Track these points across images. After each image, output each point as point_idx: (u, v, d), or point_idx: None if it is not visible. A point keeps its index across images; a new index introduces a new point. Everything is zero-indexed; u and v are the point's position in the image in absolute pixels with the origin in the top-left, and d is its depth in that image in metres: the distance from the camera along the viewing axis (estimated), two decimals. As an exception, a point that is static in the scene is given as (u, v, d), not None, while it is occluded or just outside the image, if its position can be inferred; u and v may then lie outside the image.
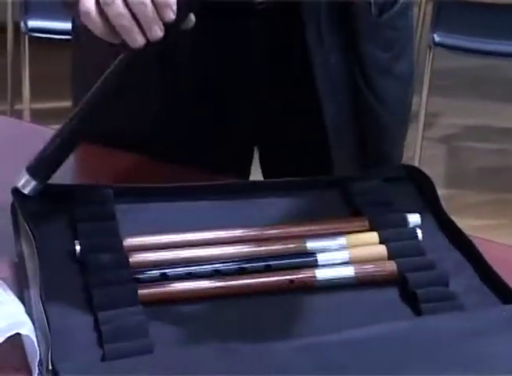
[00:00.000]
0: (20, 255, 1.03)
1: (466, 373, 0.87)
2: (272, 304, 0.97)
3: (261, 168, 1.32)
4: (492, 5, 2.75)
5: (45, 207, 1.07)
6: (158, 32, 0.89)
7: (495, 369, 0.89)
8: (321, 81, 1.11)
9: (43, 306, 0.92)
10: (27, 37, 2.68)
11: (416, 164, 1.19)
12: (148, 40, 0.89)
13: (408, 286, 1.00)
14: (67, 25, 2.64)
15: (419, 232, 1.07)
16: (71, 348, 0.89)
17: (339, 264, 1.02)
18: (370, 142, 1.21)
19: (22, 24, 2.67)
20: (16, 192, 1.07)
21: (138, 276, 0.97)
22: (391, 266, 1.02)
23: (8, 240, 1.06)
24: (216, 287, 0.97)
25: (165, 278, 0.98)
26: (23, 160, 1.24)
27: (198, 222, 1.07)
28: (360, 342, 0.90)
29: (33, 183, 1.02)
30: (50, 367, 0.86)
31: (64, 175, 1.15)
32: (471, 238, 1.08)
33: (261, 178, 1.31)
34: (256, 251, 1.02)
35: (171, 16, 0.88)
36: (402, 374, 0.87)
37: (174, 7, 0.88)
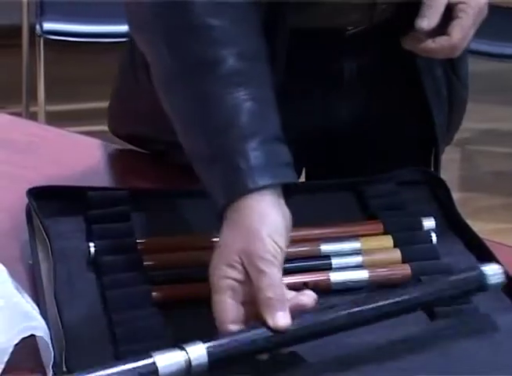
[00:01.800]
0: (35, 257, 1.03)
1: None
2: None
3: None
4: (510, 9, 2.74)
5: (59, 209, 1.08)
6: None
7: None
8: (428, 88, 1.13)
9: (57, 308, 0.93)
10: (42, 39, 2.68)
11: (431, 168, 1.19)
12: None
13: (423, 290, 0.99)
14: (82, 27, 2.68)
15: (433, 235, 1.07)
16: (85, 350, 0.90)
17: (353, 267, 1.02)
18: (455, 115, 1.21)
19: (37, 27, 2.68)
20: (30, 194, 1.07)
21: (152, 278, 0.97)
22: (406, 270, 1.02)
23: (22, 243, 1.06)
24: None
25: (179, 279, 0.98)
26: (38, 163, 1.24)
27: (213, 223, 1.07)
28: (379, 348, 0.91)
29: None
30: (65, 369, 0.87)
31: (81, 175, 1.16)
32: (486, 242, 1.07)
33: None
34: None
35: None
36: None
37: None
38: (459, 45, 0.99)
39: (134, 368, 0.80)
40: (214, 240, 1.03)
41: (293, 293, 0.87)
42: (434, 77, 1.13)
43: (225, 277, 0.86)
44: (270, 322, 0.82)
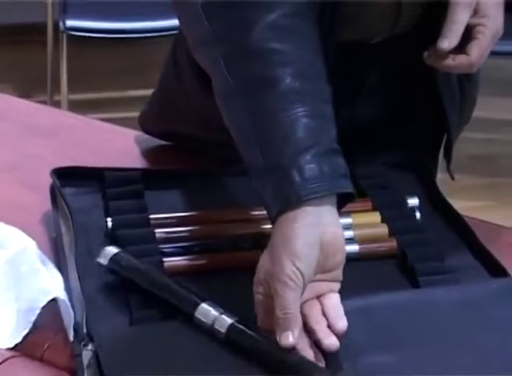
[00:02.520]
0: (58, 231, 1.03)
1: (459, 342, 0.87)
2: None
3: None
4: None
5: (80, 188, 1.08)
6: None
7: (487, 337, 0.88)
8: (444, 94, 1.12)
9: (78, 276, 0.93)
10: (65, 35, 2.67)
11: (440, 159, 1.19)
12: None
13: (407, 260, 0.99)
14: (101, 24, 2.67)
15: (417, 212, 1.07)
16: (103, 314, 0.90)
17: (345, 241, 1.01)
18: (467, 112, 1.21)
19: (60, 24, 2.67)
20: (54, 174, 1.07)
21: (163, 250, 0.97)
22: (392, 243, 1.02)
23: (47, 218, 1.06)
24: (235, 260, 0.97)
25: (188, 251, 0.98)
26: (61, 146, 1.24)
27: (217, 199, 1.07)
28: (364, 311, 0.90)
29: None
30: (85, 330, 0.87)
31: (100, 158, 1.15)
32: (465, 218, 1.07)
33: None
34: (268, 228, 1.01)
35: None
36: (401, 339, 0.87)
37: None
38: (477, 63, 0.98)
39: None
40: (220, 216, 1.03)
41: (324, 327, 0.85)
42: (450, 84, 1.13)
43: (256, 292, 0.86)
44: (277, 338, 0.82)
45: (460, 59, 0.98)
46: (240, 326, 0.84)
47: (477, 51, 0.97)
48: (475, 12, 0.97)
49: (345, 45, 1.06)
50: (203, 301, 0.87)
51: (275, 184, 0.86)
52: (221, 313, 0.85)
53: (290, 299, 0.82)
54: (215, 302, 0.87)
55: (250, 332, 0.84)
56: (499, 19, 0.99)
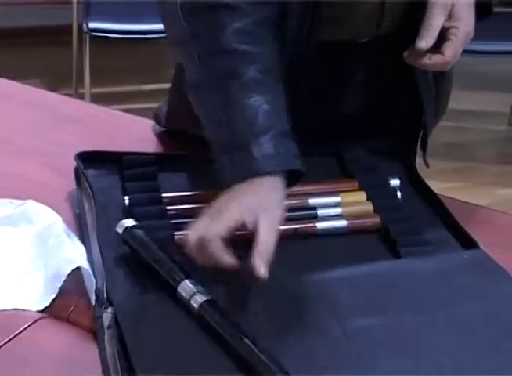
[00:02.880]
0: (81, 208, 1.03)
1: (435, 307, 0.87)
2: (283, 246, 0.96)
3: None
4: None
5: (101, 170, 1.07)
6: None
7: (459, 303, 0.88)
8: (422, 88, 1.12)
9: (99, 248, 0.93)
10: (88, 36, 2.67)
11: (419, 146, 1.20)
12: None
13: (389, 234, 0.99)
14: (120, 26, 2.66)
15: (398, 192, 1.07)
16: (121, 280, 0.89)
17: (334, 217, 1.01)
18: (442, 105, 1.20)
19: (84, 26, 2.67)
20: (78, 158, 1.07)
21: (175, 225, 0.97)
22: (376, 219, 1.01)
23: (72, 197, 1.06)
24: (240, 234, 0.97)
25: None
26: (83, 133, 1.24)
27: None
28: (351, 279, 0.90)
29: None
30: (105, 295, 0.87)
31: (119, 143, 1.15)
32: (440, 197, 1.07)
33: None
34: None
35: None
36: (383, 304, 0.87)
37: None
38: (451, 61, 0.98)
39: None
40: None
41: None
42: (427, 81, 1.12)
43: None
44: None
45: (436, 58, 0.98)
46: (209, 306, 0.83)
47: (451, 51, 0.97)
48: (450, 16, 0.97)
49: (335, 45, 1.07)
50: (188, 278, 0.86)
51: (238, 158, 0.89)
52: (198, 291, 0.84)
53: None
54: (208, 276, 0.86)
55: (216, 313, 0.82)
56: (471, 23, 0.99)
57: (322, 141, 1.22)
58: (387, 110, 1.17)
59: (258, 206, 0.86)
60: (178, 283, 0.85)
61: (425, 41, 0.96)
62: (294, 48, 1.01)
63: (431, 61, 0.98)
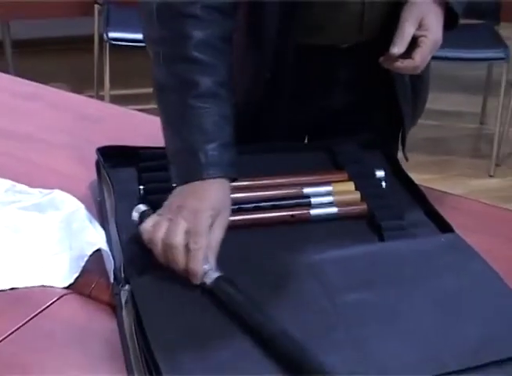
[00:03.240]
0: (102, 196, 1.02)
1: (417, 284, 0.86)
2: (281, 231, 0.96)
3: None
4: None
5: (119, 163, 1.06)
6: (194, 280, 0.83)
7: (437, 280, 0.87)
8: (399, 90, 1.12)
9: (117, 232, 0.92)
10: (108, 44, 2.66)
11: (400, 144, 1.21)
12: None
13: (375, 220, 0.98)
14: (136, 36, 2.64)
15: (383, 182, 1.06)
16: (136, 261, 0.89)
17: (327, 204, 1.01)
18: (419, 107, 1.20)
19: (104, 35, 2.66)
20: (99, 151, 1.06)
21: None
22: (363, 206, 1.01)
23: (93, 186, 1.06)
24: (241, 219, 0.96)
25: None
26: (104, 130, 1.23)
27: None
28: (341, 260, 0.90)
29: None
30: (123, 274, 0.87)
31: (135, 139, 1.14)
32: (420, 187, 1.06)
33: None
34: (268, 194, 1.00)
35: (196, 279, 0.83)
36: (369, 281, 0.86)
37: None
38: (420, 65, 0.99)
39: None
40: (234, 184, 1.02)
41: None
42: (404, 83, 1.12)
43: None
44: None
45: (407, 63, 0.98)
46: (222, 282, 0.82)
47: (420, 56, 0.98)
48: (420, 26, 0.98)
49: (320, 49, 1.07)
50: None
51: (187, 162, 0.89)
52: (211, 269, 0.83)
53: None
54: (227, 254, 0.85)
55: (229, 288, 0.82)
56: (439, 32, 0.99)
57: (312, 136, 1.22)
58: (369, 107, 1.16)
59: (212, 209, 0.85)
60: None
61: (397, 48, 0.97)
62: (273, 49, 1.02)
63: (403, 65, 0.98)
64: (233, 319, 0.79)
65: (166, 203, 0.88)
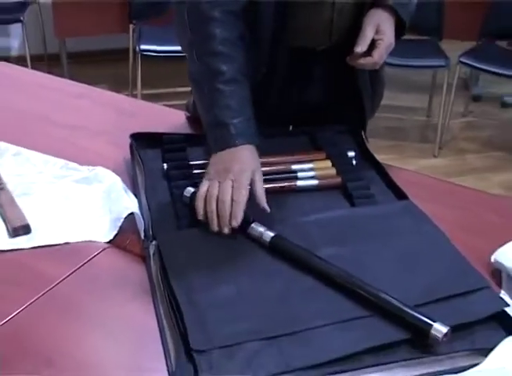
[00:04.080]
0: (134, 172, 1.00)
1: (381, 241, 0.85)
2: (273, 200, 0.93)
3: None
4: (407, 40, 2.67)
5: (148, 145, 1.04)
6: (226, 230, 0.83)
7: (396, 238, 0.86)
8: (361, 84, 1.10)
9: (147, 200, 0.91)
10: (139, 55, 2.64)
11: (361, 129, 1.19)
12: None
13: (347, 190, 0.97)
14: (164, 48, 2.61)
15: (353, 160, 1.04)
16: (161, 222, 0.87)
17: (309, 178, 0.99)
18: (376, 100, 1.17)
19: (137, 47, 2.64)
20: (132, 137, 1.04)
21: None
22: (338, 179, 0.99)
23: (127, 164, 1.03)
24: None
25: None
26: (137, 120, 1.21)
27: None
28: (321, 221, 0.88)
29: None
30: (151, 232, 0.85)
31: (161, 127, 1.12)
32: (383, 164, 1.04)
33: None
34: (263, 170, 0.98)
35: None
36: (343, 238, 0.85)
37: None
38: (378, 62, 0.98)
39: None
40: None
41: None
42: (365, 78, 1.10)
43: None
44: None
45: (368, 60, 0.98)
46: (279, 239, 0.82)
47: (378, 55, 0.98)
48: (377, 31, 0.98)
49: (300, 51, 1.05)
50: (253, 221, 0.84)
51: (221, 133, 0.88)
52: (267, 230, 0.83)
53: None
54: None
55: (287, 243, 0.81)
56: (392, 37, 0.99)
57: (295, 126, 1.19)
58: (341, 100, 1.14)
59: (250, 169, 0.86)
60: (248, 224, 0.84)
61: (361, 47, 0.97)
62: (268, 51, 1.01)
63: (365, 61, 0.98)
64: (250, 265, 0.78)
65: (210, 169, 0.88)
